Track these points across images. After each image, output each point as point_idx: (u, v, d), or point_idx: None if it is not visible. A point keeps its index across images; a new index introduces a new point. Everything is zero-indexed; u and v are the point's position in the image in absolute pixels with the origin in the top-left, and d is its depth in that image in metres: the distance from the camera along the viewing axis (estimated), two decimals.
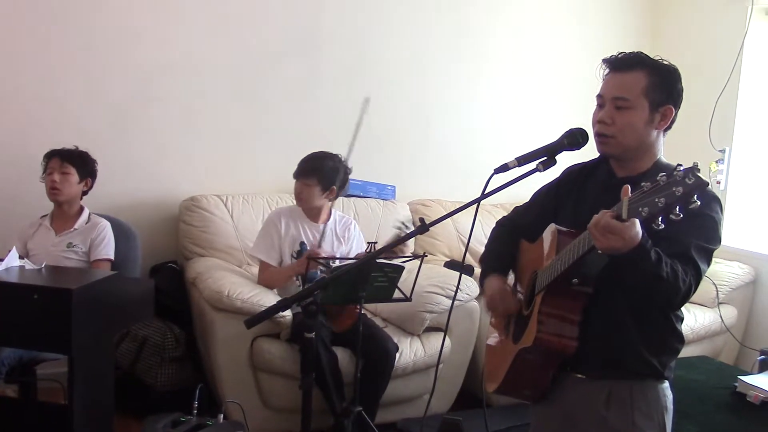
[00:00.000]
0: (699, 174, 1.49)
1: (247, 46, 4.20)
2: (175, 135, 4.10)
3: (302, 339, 2.55)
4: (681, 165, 1.65)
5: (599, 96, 2.01)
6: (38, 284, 2.62)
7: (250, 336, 3.32)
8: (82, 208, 3.50)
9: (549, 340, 1.91)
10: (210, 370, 3.54)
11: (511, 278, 2.26)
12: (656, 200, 1.52)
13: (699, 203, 1.51)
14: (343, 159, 3.48)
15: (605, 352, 1.96)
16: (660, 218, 1.53)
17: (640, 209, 1.55)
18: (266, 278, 3.55)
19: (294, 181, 3.56)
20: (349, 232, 3.69)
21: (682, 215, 1.51)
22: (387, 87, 4.56)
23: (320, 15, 4.35)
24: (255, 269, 3.91)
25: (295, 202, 3.64)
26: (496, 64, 4.90)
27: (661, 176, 1.53)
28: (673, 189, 1.49)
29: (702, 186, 1.49)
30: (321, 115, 4.39)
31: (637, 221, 1.62)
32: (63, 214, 3.45)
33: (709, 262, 1.90)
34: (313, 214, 3.61)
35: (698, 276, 1.84)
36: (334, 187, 3.52)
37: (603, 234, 1.65)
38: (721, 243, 1.95)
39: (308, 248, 3.50)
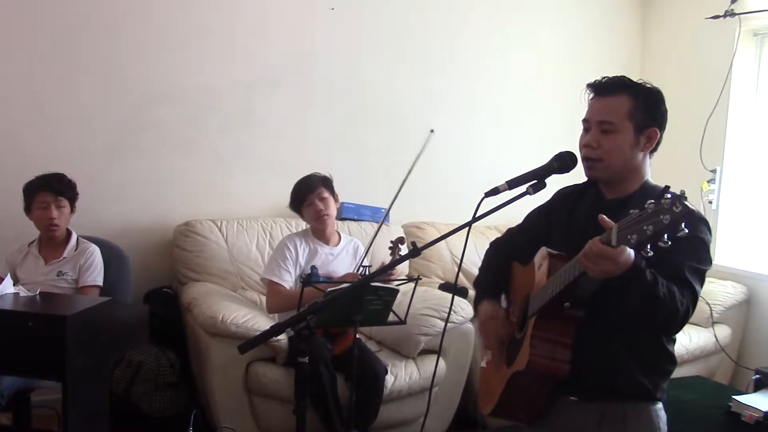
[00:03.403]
0: (686, 202, 1.50)
1: (241, 72, 4.23)
2: (169, 160, 4.11)
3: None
4: (669, 187, 1.67)
5: (585, 120, 2.04)
6: (33, 311, 2.62)
7: (245, 360, 3.32)
8: (69, 233, 3.47)
9: (542, 363, 1.92)
10: (205, 395, 3.52)
11: (504, 301, 2.27)
12: (644, 228, 1.53)
13: (687, 231, 1.52)
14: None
15: (598, 375, 1.96)
16: (648, 246, 1.55)
17: (629, 236, 1.56)
18: (276, 300, 3.49)
19: (298, 207, 3.61)
20: (358, 251, 3.75)
21: (670, 243, 1.53)
22: (380, 110, 4.60)
23: (313, 40, 4.39)
24: (249, 293, 3.91)
25: (293, 227, 3.68)
26: (490, 87, 4.94)
27: (649, 203, 1.54)
28: (661, 217, 1.51)
29: (689, 214, 1.50)
30: (314, 139, 4.42)
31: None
32: (51, 242, 3.42)
33: (702, 283, 1.92)
34: (324, 236, 3.64)
35: (695, 297, 1.86)
36: (336, 193, 3.65)
37: (594, 261, 1.67)
38: (712, 264, 1.97)
39: (319, 272, 3.52)
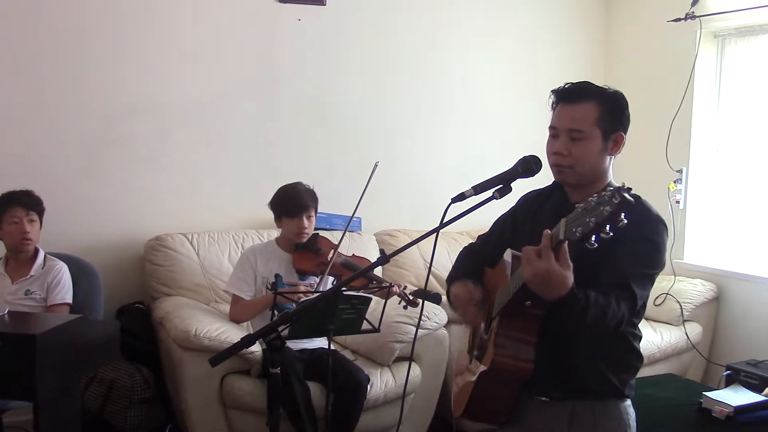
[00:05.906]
0: (625, 194, 1.53)
1: (208, 85, 4.22)
2: (139, 174, 4.09)
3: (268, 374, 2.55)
4: (630, 189, 1.70)
5: (552, 127, 2.05)
6: (1, 331, 2.59)
7: (220, 373, 3.30)
8: (37, 251, 3.43)
9: (505, 363, 1.94)
10: (180, 410, 3.50)
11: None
12: (587, 220, 1.56)
13: (626, 221, 1.54)
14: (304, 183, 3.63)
15: (565, 373, 1.99)
16: (593, 237, 1.57)
17: (575, 229, 1.59)
18: (236, 311, 3.55)
19: (279, 220, 3.59)
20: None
21: (612, 233, 1.55)
22: (349, 118, 4.61)
23: (279, 51, 4.39)
24: (222, 306, 3.90)
25: (265, 238, 3.67)
26: (458, 94, 4.97)
27: (593, 197, 1.57)
28: (602, 209, 1.54)
29: (627, 205, 1.52)
30: (283, 150, 4.42)
31: (570, 269, 1.71)
32: (18, 260, 3.39)
33: (651, 285, 1.98)
34: (290, 246, 3.61)
35: (634, 305, 1.90)
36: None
37: (528, 263, 1.72)
38: (665, 265, 2.01)
39: (284, 280, 3.51)
